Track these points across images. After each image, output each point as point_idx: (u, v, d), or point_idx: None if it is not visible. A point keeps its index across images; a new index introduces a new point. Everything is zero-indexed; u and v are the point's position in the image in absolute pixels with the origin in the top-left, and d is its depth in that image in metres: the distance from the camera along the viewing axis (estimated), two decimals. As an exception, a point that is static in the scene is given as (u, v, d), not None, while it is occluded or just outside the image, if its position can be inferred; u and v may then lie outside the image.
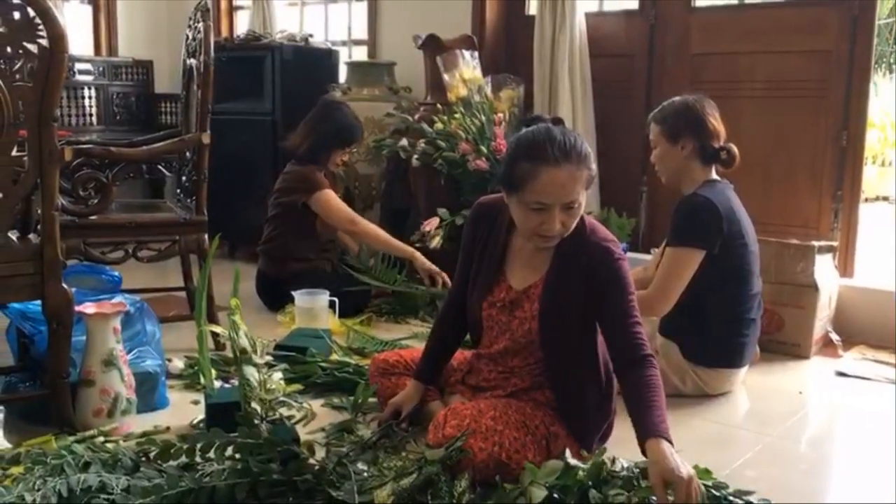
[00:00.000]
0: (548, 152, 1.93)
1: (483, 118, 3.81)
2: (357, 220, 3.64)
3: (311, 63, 4.79)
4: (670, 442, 1.76)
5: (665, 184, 2.85)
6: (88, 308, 2.28)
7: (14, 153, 2.06)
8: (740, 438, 2.43)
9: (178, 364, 2.80)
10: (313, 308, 3.29)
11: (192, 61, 3.08)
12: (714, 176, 2.74)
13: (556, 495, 1.73)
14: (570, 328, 2.06)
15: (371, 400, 2.45)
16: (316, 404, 2.50)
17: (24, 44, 2.02)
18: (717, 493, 1.80)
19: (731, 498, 1.79)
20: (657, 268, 2.81)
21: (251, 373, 2.10)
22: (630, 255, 3.59)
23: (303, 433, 2.18)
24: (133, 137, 3.63)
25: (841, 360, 3.16)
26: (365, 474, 1.82)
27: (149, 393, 2.46)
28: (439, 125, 3.85)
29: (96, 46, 5.67)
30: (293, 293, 3.32)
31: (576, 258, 2.05)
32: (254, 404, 2.05)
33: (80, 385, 2.26)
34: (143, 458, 1.91)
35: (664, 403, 1.86)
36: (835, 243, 3.46)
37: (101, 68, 5.40)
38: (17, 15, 2.00)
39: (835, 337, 3.29)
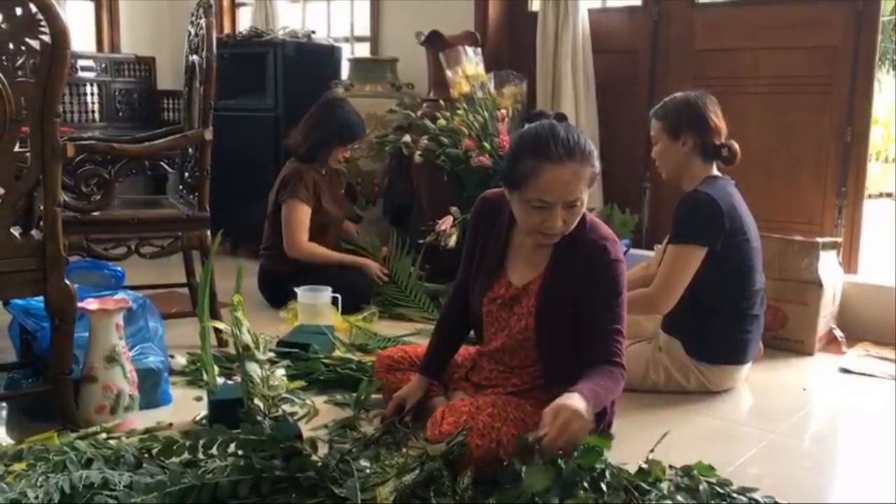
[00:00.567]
0: (551, 150, 1.92)
1: (486, 114, 3.80)
2: (303, 246, 3.60)
3: (314, 60, 4.79)
4: (581, 395, 1.80)
5: (665, 180, 2.84)
6: (91, 304, 2.28)
7: (16, 149, 2.06)
8: (744, 435, 2.42)
9: (180, 360, 2.80)
10: (316, 304, 3.29)
11: (195, 58, 3.07)
12: (715, 172, 2.73)
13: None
14: (565, 325, 2.05)
15: (374, 396, 2.45)
16: (318, 401, 2.50)
17: (27, 40, 2.01)
18: (721, 491, 1.79)
19: (734, 495, 1.79)
20: (659, 265, 2.80)
21: (254, 369, 2.09)
22: (633, 251, 3.59)
23: (305, 430, 2.17)
24: (135, 134, 3.63)
25: (844, 356, 3.15)
26: (367, 471, 1.82)
27: (151, 389, 2.46)
28: (442, 122, 3.84)
29: (98, 43, 5.66)
30: (296, 289, 3.32)
31: (573, 255, 2.04)
32: (256, 401, 2.05)
33: (83, 381, 2.26)
34: (146, 455, 1.91)
35: (609, 392, 1.91)
36: (839, 240, 3.45)
37: (103, 65, 5.40)
38: (19, 11, 2.00)
39: (838, 333, 3.28)
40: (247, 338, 2.14)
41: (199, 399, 2.52)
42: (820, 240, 3.23)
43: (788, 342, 3.19)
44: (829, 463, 2.31)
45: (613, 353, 1.95)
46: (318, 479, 1.77)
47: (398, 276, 3.74)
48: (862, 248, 3.61)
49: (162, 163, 3.49)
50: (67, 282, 2.16)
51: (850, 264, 3.55)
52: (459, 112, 3.82)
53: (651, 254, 3.32)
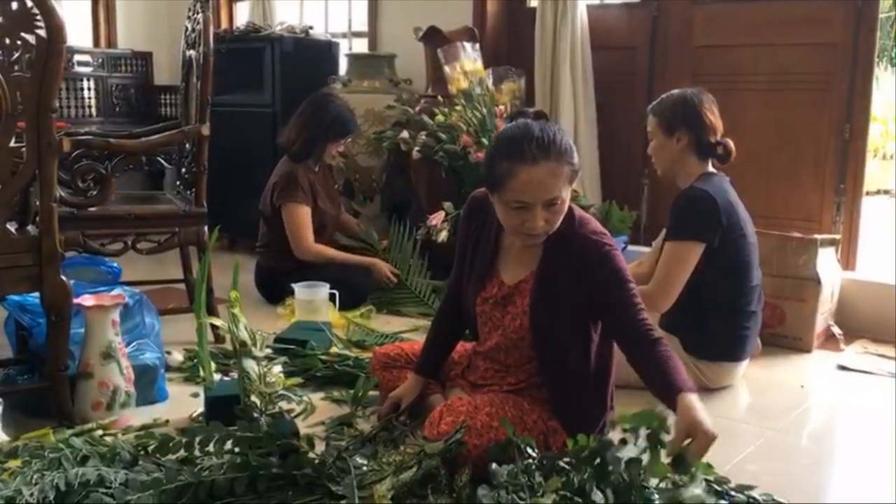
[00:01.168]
0: (525, 150, 1.90)
1: (484, 110, 3.79)
2: (311, 248, 3.59)
3: (312, 55, 4.77)
4: (694, 392, 1.80)
5: (660, 176, 2.85)
6: (87, 300, 2.27)
7: (12, 144, 2.05)
8: (742, 432, 2.42)
9: (177, 357, 2.79)
10: (313, 301, 3.28)
11: (192, 53, 3.06)
12: (710, 169, 2.73)
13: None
14: (561, 323, 2.04)
15: (371, 393, 2.44)
16: (316, 398, 2.50)
17: (23, 34, 2.00)
18: (719, 489, 1.79)
19: (732, 493, 1.78)
20: (657, 262, 2.80)
21: (251, 366, 2.09)
22: (631, 248, 3.59)
23: (302, 427, 2.17)
24: (132, 129, 3.61)
25: (843, 353, 3.15)
26: (364, 468, 1.81)
27: (148, 386, 2.45)
28: (440, 117, 3.84)
29: (95, 38, 5.65)
30: (293, 286, 3.31)
31: (566, 252, 2.02)
32: (253, 398, 2.04)
33: (79, 378, 2.25)
34: (142, 452, 1.90)
35: (684, 369, 1.90)
36: (837, 237, 3.45)
37: (100, 60, 5.38)
38: (14, 6, 1.99)
39: (836, 331, 3.28)
40: (244, 334, 2.13)
41: (195, 395, 2.52)
42: (818, 237, 3.23)
43: (787, 339, 3.19)
44: (827, 460, 2.31)
45: (649, 332, 1.95)
46: (315, 477, 1.76)
47: (398, 265, 3.74)
48: (860, 245, 3.60)
49: (159, 158, 3.48)
50: (63, 278, 2.15)
51: (848, 261, 3.55)
52: (457, 108, 3.81)
53: (649, 250, 3.32)
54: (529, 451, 1.80)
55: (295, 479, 1.76)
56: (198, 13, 2.98)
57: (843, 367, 3.00)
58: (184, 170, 3.17)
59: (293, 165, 3.64)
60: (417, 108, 4.05)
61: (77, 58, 5.23)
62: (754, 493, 1.80)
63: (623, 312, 1.97)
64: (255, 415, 1.99)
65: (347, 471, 1.77)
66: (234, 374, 2.37)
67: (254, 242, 3.89)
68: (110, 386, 2.26)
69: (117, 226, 2.80)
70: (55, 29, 2.00)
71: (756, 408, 2.65)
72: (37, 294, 2.17)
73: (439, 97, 3.94)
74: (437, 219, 3.56)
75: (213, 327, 2.84)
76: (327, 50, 4.89)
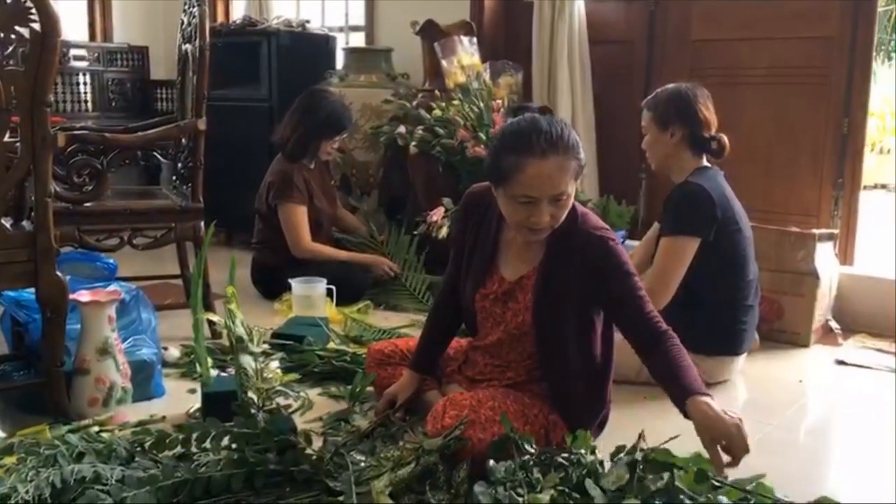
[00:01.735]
0: (533, 144, 1.88)
1: (481, 105, 3.78)
2: (308, 247, 3.58)
3: (308, 49, 4.75)
4: (707, 395, 1.80)
5: (654, 170, 2.85)
6: (83, 296, 2.26)
7: (6, 139, 2.04)
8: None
9: (174, 353, 2.78)
10: (311, 296, 3.27)
11: (188, 47, 3.04)
12: (704, 164, 2.72)
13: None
14: (564, 318, 2.03)
15: (369, 389, 2.43)
16: (313, 393, 2.49)
17: (16, 28, 1.99)
18: (717, 484, 1.78)
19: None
20: (649, 255, 2.80)
21: (248, 362, 2.08)
22: (629, 242, 3.57)
23: (300, 423, 2.16)
24: (129, 124, 3.59)
25: (841, 348, 3.15)
26: (362, 464, 1.80)
27: (144, 382, 2.44)
28: (437, 112, 3.83)
29: (91, 32, 5.62)
30: (290, 281, 3.30)
31: (569, 248, 2.02)
32: (250, 394, 2.03)
33: (75, 374, 2.24)
34: (138, 449, 1.89)
35: (693, 367, 1.90)
36: (835, 231, 3.44)
37: (96, 54, 5.36)
38: (8, -1, 1.98)
39: (835, 325, 3.27)
40: (240, 330, 2.12)
41: (192, 391, 2.51)
42: (816, 231, 3.22)
43: (785, 334, 3.18)
44: (826, 455, 2.30)
45: (657, 325, 1.97)
46: (313, 473, 1.76)
47: (396, 261, 3.73)
48: (858, 240, 3.60)
49: (155, 153, 3.46)
50: (59, 273, 2.14)
51: (846, 256, 3.54)
52: (455, 102, 3.80)
53: (639, 243, 3.30)
54: (527, 447, 1.80)
55: (292, 475, 1.75)
56: (194, 7, 2.96)
57: (841, 362, 2.99)
58: (180, 165, 3.16)
59: (288, 164, 3.63)
60: (414, 103, 4.03)
61: (73, 52, 5.21)
62: (752, 489, 1.79)
63: (630, 305, 1.98)
64: (252, 411, 1.98)
65: (345, 467, 1.77)
66: (231, 370, 2.36)
67: (251, 238, 3.88)
68: (107, 382, 2.25)
69: (113, 221, 2.79)
70: (49, 22, 1.98)
71: (754, 403, 2.64)
72: (32, 290, 2.16)
73: (436, 91, 3.93)
74: (436, 215, 3.54)
75: (210, 323, 2.84)
76: (324, 44, 4.88)
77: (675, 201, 2.64)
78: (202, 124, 2.90)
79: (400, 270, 3.71)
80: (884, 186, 8.12)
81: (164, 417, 2.29)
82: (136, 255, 2.93)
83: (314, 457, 1.79)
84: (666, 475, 1.64)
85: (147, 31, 5.66)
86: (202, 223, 2.91)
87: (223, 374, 2.57)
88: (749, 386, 2.76)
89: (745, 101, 3.67)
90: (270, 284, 3.60)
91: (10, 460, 1.82)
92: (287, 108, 3.78)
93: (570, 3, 3.93)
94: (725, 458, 1.75)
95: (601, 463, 1.80)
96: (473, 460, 1.80)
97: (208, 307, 2.84)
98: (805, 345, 3.15)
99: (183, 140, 3.07)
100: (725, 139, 2.69)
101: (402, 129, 3.94)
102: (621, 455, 1.80)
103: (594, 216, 2.10)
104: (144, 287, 2.79)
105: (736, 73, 3.73)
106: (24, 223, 2.20)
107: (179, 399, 2.47)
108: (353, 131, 4.03)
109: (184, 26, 3.13)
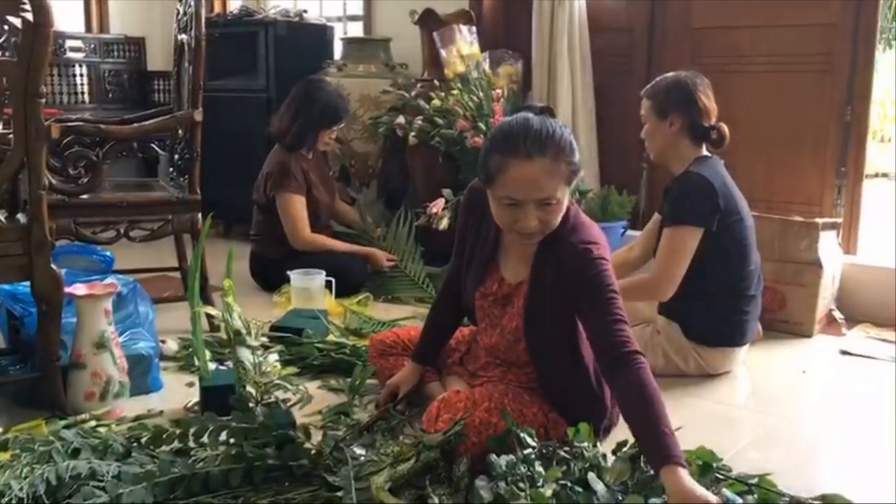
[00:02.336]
0: (519, 145, 1.83)
1: (481, 95, 3.75)
2: (307, 238, 3.55)
3: (306, 39, 4.72)
4: (683, 465, 1.59)
5: (654, 160, 2.82)
6: (78, 289, 2.24)
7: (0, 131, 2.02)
8: (743, 419, 2.40)
9: (171, 346, 2.76)
10: (309, 288, 3.25)
11: (184, 37, 3.02)
12: (704, 153, 2.69)
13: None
14: (553, 328, 1.98)
15: (369, 382, 2.41)
16: (312, 386, 2.47)
17: (8, 18, 1.97)
18: (721, 477, 1.76)
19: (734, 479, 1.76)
20: (650, 247, 2.78)
21: (246, 355, 2.06)
22: (630, 232, 3.56)
23: (299, 416, 2.14)
24: (125, 115, 3.57)
25: (844, 338, 3.12)
26: (362, 459, 1.78)
27: (142, 375, 2.42)
28: (436, 102, 3.80)
29: (87, 23, 5.59)
30: (289, 273, 3.28)
31: (554, 258, 1.95)
32: (249, 387, 2.02)
33: (71, 368, 2.23)
34: (135, 444, 1.87)
35: (663, 408, 1.68)
36: (839, 220, 3.42)
37: (92, 45, 5.33)
38: (-1, -12, 1.95)
39: (838, 315, 3.25)
40: (238, 323, 2.11)
41: (190, 385, 2.49)
42: (819, 220, 3.20)
43: (788, 324, 3.16)
44: (829, 446, 2.28)
45: (623, 343, 1.79)
46: (312, 468, 1.74)
47: (395, 252, 3.71)
48: (861, 229, 3.57)
49: (152, 145, 3.43)
50: (54, 266, 2.12)
51: (849, 245, 3.52)
52: (454, 92, 3.76)
53: (639, 234, 3.28)
54: (529, 440, 1.78)
55: (291, 470, 1.73)
56: (190, -4, 2.93)
57: (844, 352, 2.97)
58: (177, 156, 3.13)
59: (286, 154, 3.60)
60: (413, 93, 4.00)
61: (69, 43, 5.18)
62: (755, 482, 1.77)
63: (598, 322, 1.84)
64: (251, 405, 1.96)
65: (344, 461, 1.75)
66: (230, 364, 2.34)
67: (249, 229, 3.85)
68: (103, 376, 2.23)
69: (109, 213, 2.77)
70: (41, 12, 1.95)
71: (757, 393, 2.63)
72: (28, 283, 2.14)
73: (435, 81, 3.90)
74: (437, 206, 3.51)
75: (209, 316, 2.81)
76: (322, 34, 4.84)
77: (676, 191, 2.62)
78: (199, 115, 2.87)
79: (399, 261, 3.68)
80: (885, 175, 8.09)
81: (161, 412, 2.27)
82: (134, 247, 2.92)
83: (313, 451, 1.78)
84: None
85: (143, 21, 5.62)
86: (199, 215, 2.89)
87: (221, 367, 2.55)
88: (752, 376, 2.74)
89: (747, 89, 3.64)
90: (269, 276, 3.58)
91: (4, 456, 1.80)
92: (284, 99, 3.75)
93: (570, -9, 3.90)
94: None
95: (604, 456, 1.78)
96: (471, 460, 1.78)
97: (206, 300, 2.82)
98: (808, 335, 3.13)
99: (180, 131, 3.05)
100: (725, 128, 2.66)
101: (401, 119, 3.92)
102: (624, 449, 1.79)
103: (587, 228, 1.99)
104: (142, 280, 2.77)
105: (738, 61, 3.70)
106: (19, 216, 2.18)
107: (177, 393, 2.45)
108: (350, 121, 4.00)
109: (180, 16, 3.10)
